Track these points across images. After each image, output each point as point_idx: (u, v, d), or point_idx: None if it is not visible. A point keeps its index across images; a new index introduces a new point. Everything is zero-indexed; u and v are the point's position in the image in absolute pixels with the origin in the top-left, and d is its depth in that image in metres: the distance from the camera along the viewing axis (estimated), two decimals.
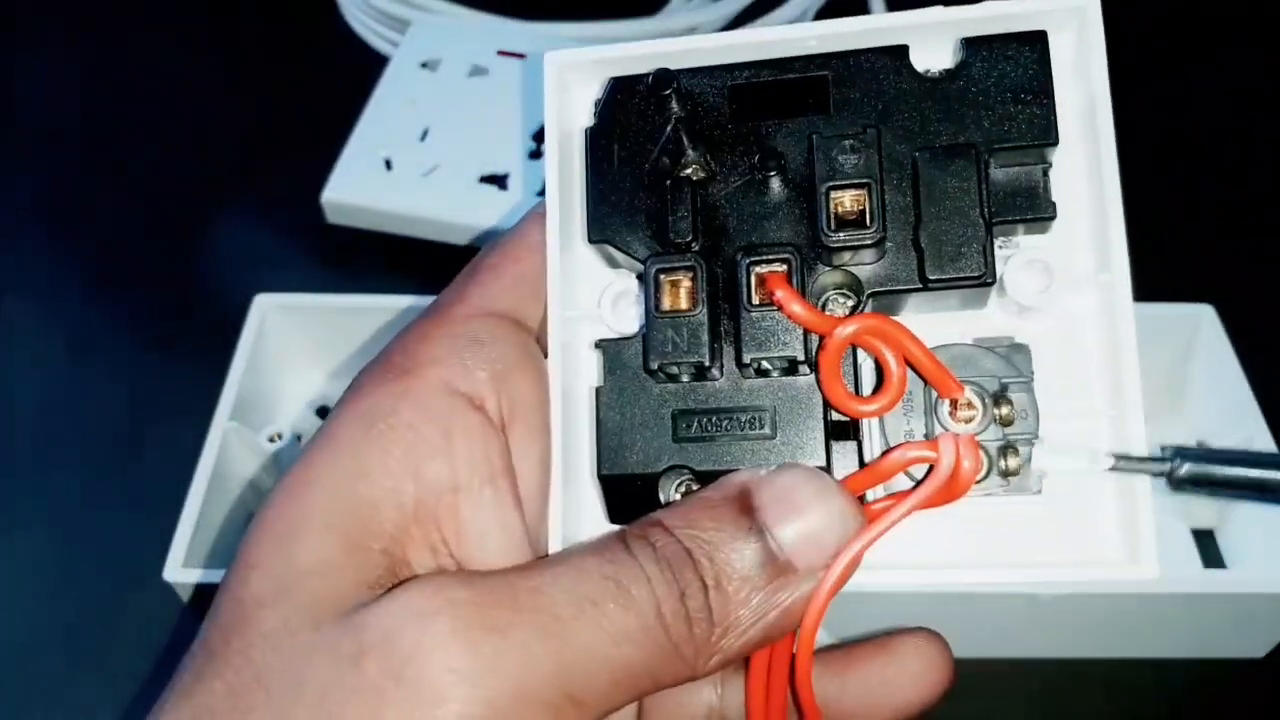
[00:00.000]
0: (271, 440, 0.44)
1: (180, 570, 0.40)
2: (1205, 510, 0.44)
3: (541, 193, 0.53)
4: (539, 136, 0.56)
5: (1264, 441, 0.42)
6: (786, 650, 0.24)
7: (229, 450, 0.43)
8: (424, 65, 0.59)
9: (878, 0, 0.66)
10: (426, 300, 0.47)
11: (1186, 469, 0.23)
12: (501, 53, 0.59)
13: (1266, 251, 0.56)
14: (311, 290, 0.48)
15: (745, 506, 0.22)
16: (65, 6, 0.70)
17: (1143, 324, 0.49)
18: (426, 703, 0.20)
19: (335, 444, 0.24)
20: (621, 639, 0.21)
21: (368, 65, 0.61)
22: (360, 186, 0.54)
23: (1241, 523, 0.43)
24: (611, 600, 0.21)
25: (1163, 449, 0.24)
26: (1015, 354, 0.25)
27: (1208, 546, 0.44)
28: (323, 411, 0.49)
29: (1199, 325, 0.45)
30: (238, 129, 0.63)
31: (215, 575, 0.41)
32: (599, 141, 0.26)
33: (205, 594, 0.41)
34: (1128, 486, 0.24)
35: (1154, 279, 0.46)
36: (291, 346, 0.48)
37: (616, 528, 0.25)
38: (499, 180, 0.54)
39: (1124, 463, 0.23)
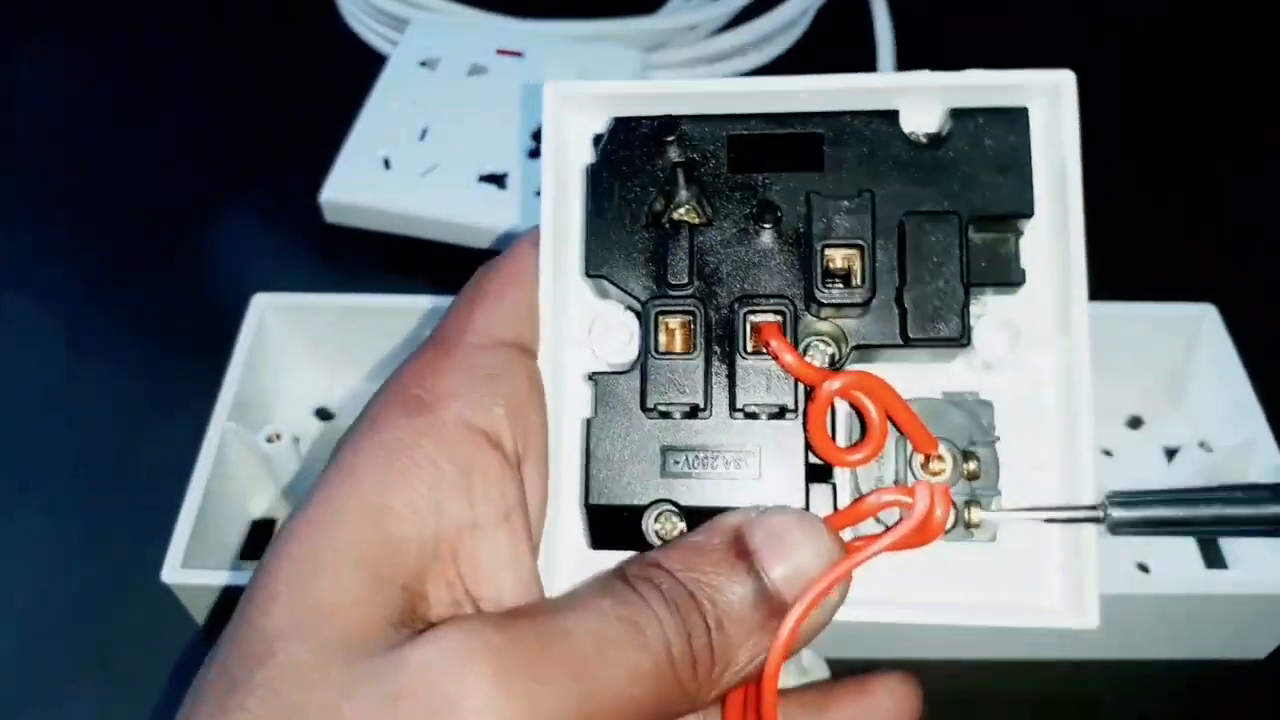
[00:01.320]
0: (270, 440, 0.44)
1: (178, 571, 0.39)
2: None
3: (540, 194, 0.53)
4: (538, 135, 0.56)
5: (1266, 442, 0.42)
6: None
7: (227, 450, 0.43)
8: (423, 64, 0.59)
9: (879, 4, 0.65)
10: (426, 300, 0.47)
11: (1117, 514, 0.25)
12: (500, 51, 0.59)
13: (1269, 251, 0.56)
14: (310, 290, 0.48)
15: (741, 550, 0.23)
16: (65, 6, 0.70)
17: (1144, 323, 0.50)
18: None
19: (357, 476, 0.24)
20: (639, 678, 0.22)
21: (366, 64, 0.61)
22: (359, 186, 0.54)
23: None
24: (630, 642, 0.22)
25: (1100, 498, 0.25)
26: (981, 410, 0.26)
27: (1209, 547, 0.44)
28: (321, 412, 0.49)
29: (1201, 325, 0.45)
30: (235, 128, 0.63)
31: (214, 576, 0.41)
32: (599, 178, 0.27)
33: (199, 595, 0.41)
34: (1073, 535, 0.26)
35: (1156, 278, 0.46)
36: (290, 346, 0.48)
37: (595, 555, 0.26)
38: (498, 179, 0.54)
39: (1058, 513, 0.25)
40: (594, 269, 0.27)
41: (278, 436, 0.44)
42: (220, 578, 0.41)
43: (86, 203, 0.60)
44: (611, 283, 0.27)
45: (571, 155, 0.28)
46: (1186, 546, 0.44)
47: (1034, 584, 0.27)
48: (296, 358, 0.49)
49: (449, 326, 0.27)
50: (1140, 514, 0.25)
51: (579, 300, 0.28)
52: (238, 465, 0.44)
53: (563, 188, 0.28)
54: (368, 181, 0.54)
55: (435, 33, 0.61)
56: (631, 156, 0.27)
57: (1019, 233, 0.26)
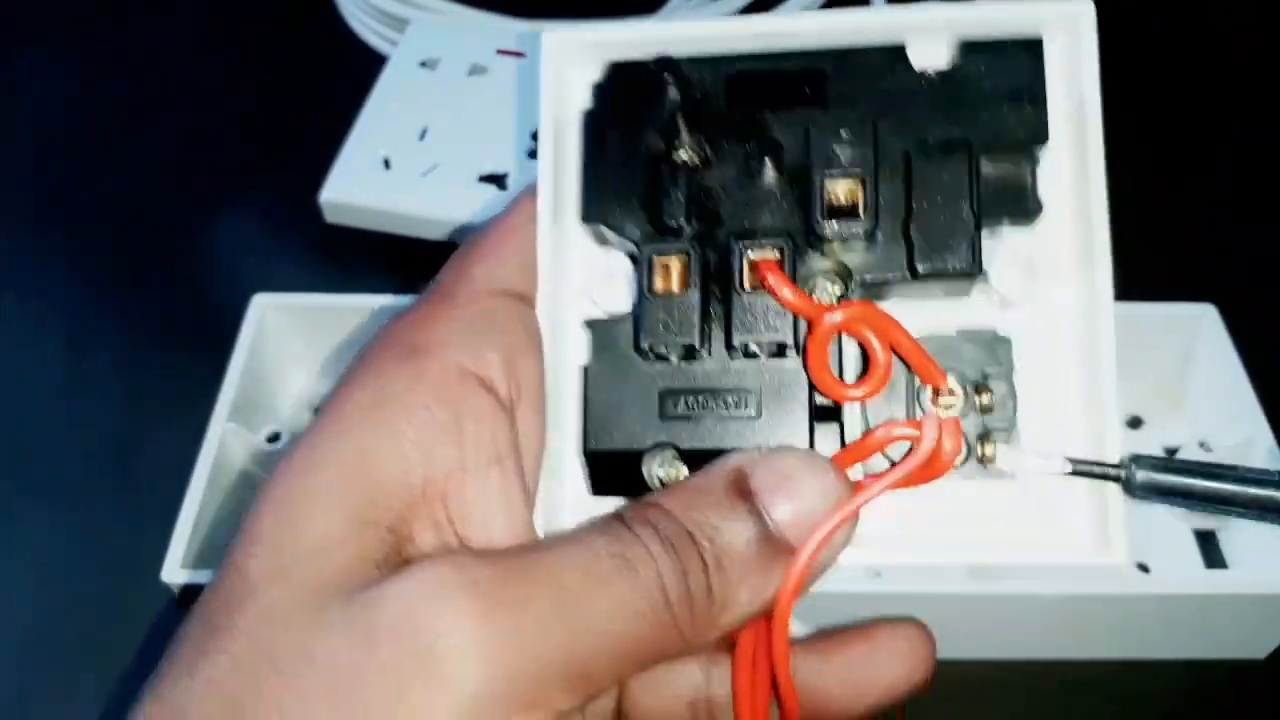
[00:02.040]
0: (270, 440, 0.44)
1: (178, 571, 0.40)
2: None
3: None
4: (538, 135, 0.56)
5: (1266, 441, 0.42)
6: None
7: (227, 450, 0.43)
8: (423, 64, 0.59)
9: (879, 4, 0.65)
10: None
11: (1141, 476, 0.24)
12: (501, 52, 0.59)
13: (1269, 251, 0.56)
14: (310, 290, 0.48)
15: (742, 490, 0.23)
16: (64, 6, 0.70)
17: (1144, 323, 0.50)
18: (444, 678, 0.20)
19: (344, 421, 0.24)
20: (630, 615, 0.21)
21: (366, 64, 0.61)
22: (359, 186, 0.54)
23: (1244, 523, 0.43)
24: (619, 578, 0.21)
25: (1124, 457, 0.25)
26: (997, 345, 0.25)
27: (1209, 547, 0.44)
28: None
29: (1201, 325, 0.45)
30: (235, 128, 0.63)
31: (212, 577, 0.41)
32: (596, 124, 0.27)
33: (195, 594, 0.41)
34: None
35: (1155, 278, 0.46)
36: (290, 346, 0.48)
37: (597, 501, 0.26)
38: (498, 179, 0.54)
39: (1080, 466, 0.24)
40: (590, 216, 0.26)
41: (278, 436, 0.44)
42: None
43: (86, 203, 0.60)
44: (608, 227, 0.26)
45: (570, 106, 0.27)
46: (1187, 546, 0.44)
47: (1058, 522, 0.26)
48: (296, 357, 0.49)
49: (446, 278, 0.26)
50: (1165, 479, 0.24)
51: (580, 251, 0.27)
52: (238, 465, 0.44)
53: (561, 139, 0.27)
54: (368, 181, 0.54)
55: (435, 33, 0.61)
56: (628, 101, 0.26)
57: (1035, 161, 0.25)
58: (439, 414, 0.24)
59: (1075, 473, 0.24)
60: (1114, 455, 0.25)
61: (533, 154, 0.55)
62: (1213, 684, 0.42)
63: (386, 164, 0.55)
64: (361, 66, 0.61)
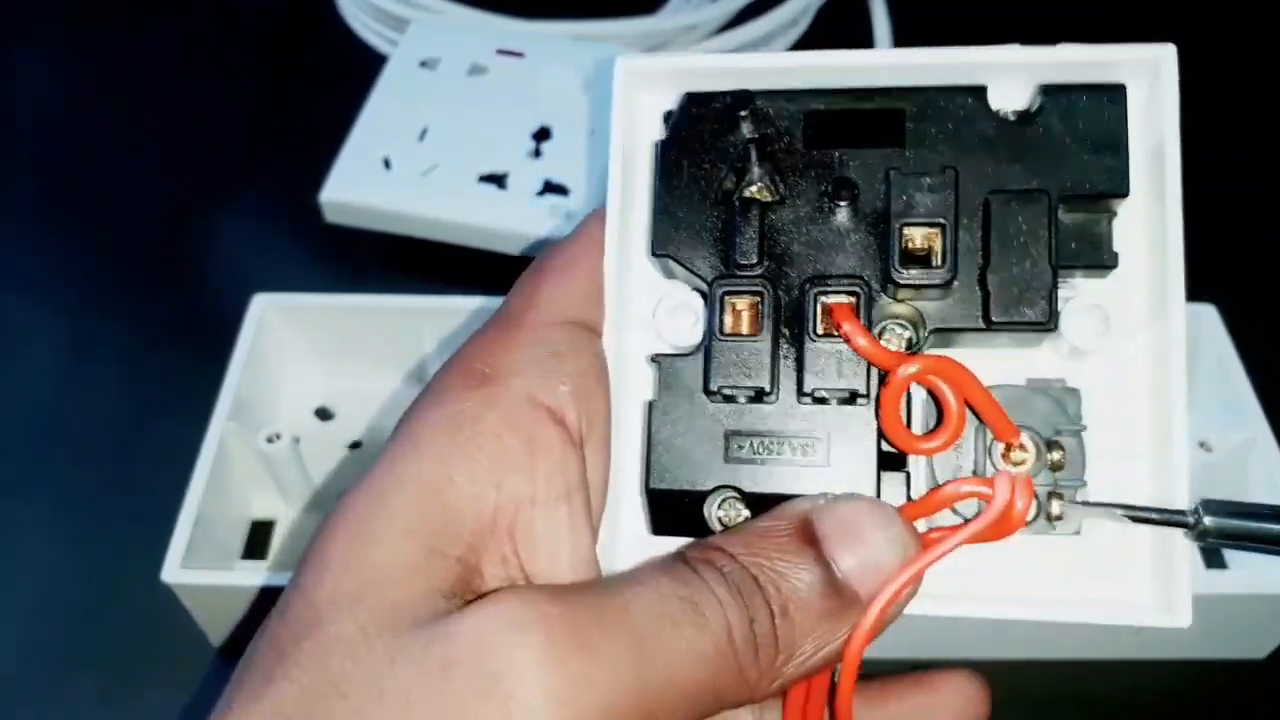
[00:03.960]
0: (270, 441, 0.44)
1: (178, 571, 0.39)
2: None
3: (543, 193, 0.53)
4: (539, 135, 0.56)
5: (1266, 441, 0.42)
6: (825, 676, 0.25)
7: (227, 451, 0.43)
8: (423, 64, 0.59)
9: (879, 4, 0.65)
10: (426, 300, 0.47)
11: (1211, 522, 0.23)
12: (501, 52, 0.59)
13: (1269, 251, 0.56)
14: (310, 290, 0.48)
15: (809, 536, 0.23)
16: (64, 6, 0.70)
17: None
18: (516, 715, 0.20)
19: (419, 447, 0.23)
20: (697, 660, 0.21)
21: (367, 64, 0.61)
22: (359, 186, 0.54)
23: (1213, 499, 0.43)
24: (689, 622, 0.21)
25: (1192, 504, 0.24)
26: (1067, 398, 0.25)
27: (1207, 549, 0.44)
28: (321, 412, 0.49)
29: (1201, 325, 0.45)
30: (236, 128, 0.63)
31: (214, 576, 0.41)
32: (669, 154, 0.26)
33: (199, 595, 0.41)
34: (1165, 531, 0.24)
35: None
36: (290, 346, 0.48)
37: (656, 541, 0.26)
38: (498, 180, 0.54)
39: (1145, 514, 0.24)
40: (660, 248, 0.26)
41: (278, 436, 0.44)
42: (220, 578, 0.41)
43: (86, 203, 0.60)
44: (677, 262, 0.26)
45: (639, 133, 0.27)
46: (1188, 546, 0.44)
47: (1119, 578, 0.25)
48: (296, 358, 0.49)
49: (514, 303, 0.26)
50: (1234, 525, 0.24)
51: (644, 280, 0.27)
52: (238, 465, 0.44)
53: (630, 165, 0.27)
54: (368, 181, 0.54)
55: (435, 33, 0.61)
56: (702, 132, 0.26)
57: (1112, 213, 0.25)
58: (512, 444, 0.23)
59: (1139, 519, 0.24)
60: (1180, 505, 0.24)
61: (535, 154, 0.55)
62: (1213, 684, 0.42)
63: (387, 164, 0.55)
64: (361, 66, 0.61)
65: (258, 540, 0.45)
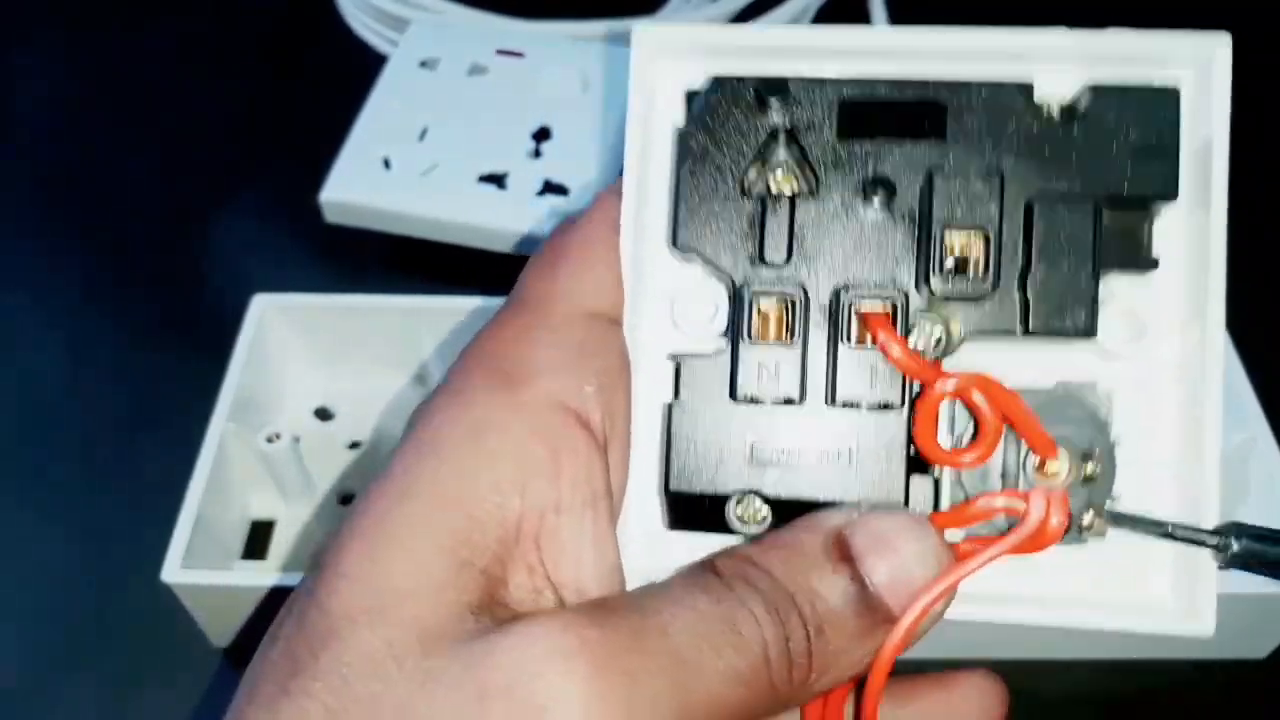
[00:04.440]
0: (270, 441, 0.44)
1: (178, 571, 0.39)
2: None
3: (543, 193, 0.53)
4: (539, 135, 0.56)
5: (1266, 441, 0.42)
6: (845, 686, 0.25)
7: (227, 451, 0.43)
8: (423, 64, 0.59)
9: (878, 4, 0.65)
10: (426, 300, 0.47)
11: (1240, 547, 0.23)
12: (500, 52, 0.59)
13: (1269, 251, 0.56)
14: (310, 290, 0.48)
15: (843, 553, 0.22)
16: (65, 6, 0.70)
17: None
18: None
19: (440, 453, 0.23)
20: (734, 680, 0.21)
21: (366, 64, 0.61)
22: (359, 186, 0.54)
23: (1243, 522, 0.43)
24: (727, 643, 0.21)
25: (1222, 524, 0.23)
26: (1100, 404, 0.24)
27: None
28: (321, 412, 0.49)
29: None
30: (236, 128, 0.63)
31: (214, 576, 0.41)
32: (692, 143, 0.25)
33: (199, 595, 0.41)
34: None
35: None
36: (290, 346, 0.48)
37: (668, 534, 0.25)
38: (498, 179, 0.54)
39: (1178, 532, 0.23)
40: (683, 242, 0.25)
41: (278, 436, 0.44)
42: (220, 578, 0.41)
43: (86, 203, 0.60)
44: (702, 258, 0.25)
45: (657, 111, 0.25)
46: None
47: (1141, 583, 0.24)
48: (296, 358, 0.49)
49: (533, 289, 0.25)
50: (1264, 550, 0.23)
51: (660, 265, 0.26)
52: (238, 465, 0.44)
53: (648, 148, 0.25)
54: (368, 181, 0.54)
55: (435, 33, 0.61)
56: (729, 120, 0.25)
57: (1155, 215, 0.24)
58: (537, 449, 0.23)
59: (1169, 537, 0.23)
60: (1210, 522, 0.24)
61: (535, 154, 0.55)
62: (1213, 684, 0.42)
63: (386, 164, 0.55)
64: (361, 66, 0.61)
65: (258, 540, 0.45)
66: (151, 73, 0.66)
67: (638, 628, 0.21)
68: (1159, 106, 0.24)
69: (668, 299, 0.25)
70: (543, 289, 0.25)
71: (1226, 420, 0.44)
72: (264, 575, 0.41)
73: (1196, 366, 0.24)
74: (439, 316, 0.47)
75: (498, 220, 0.53)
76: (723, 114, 0.25)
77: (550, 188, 0.54)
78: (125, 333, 0.54)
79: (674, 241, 0.25)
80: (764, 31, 0.25)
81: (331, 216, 0.54)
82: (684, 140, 0.25)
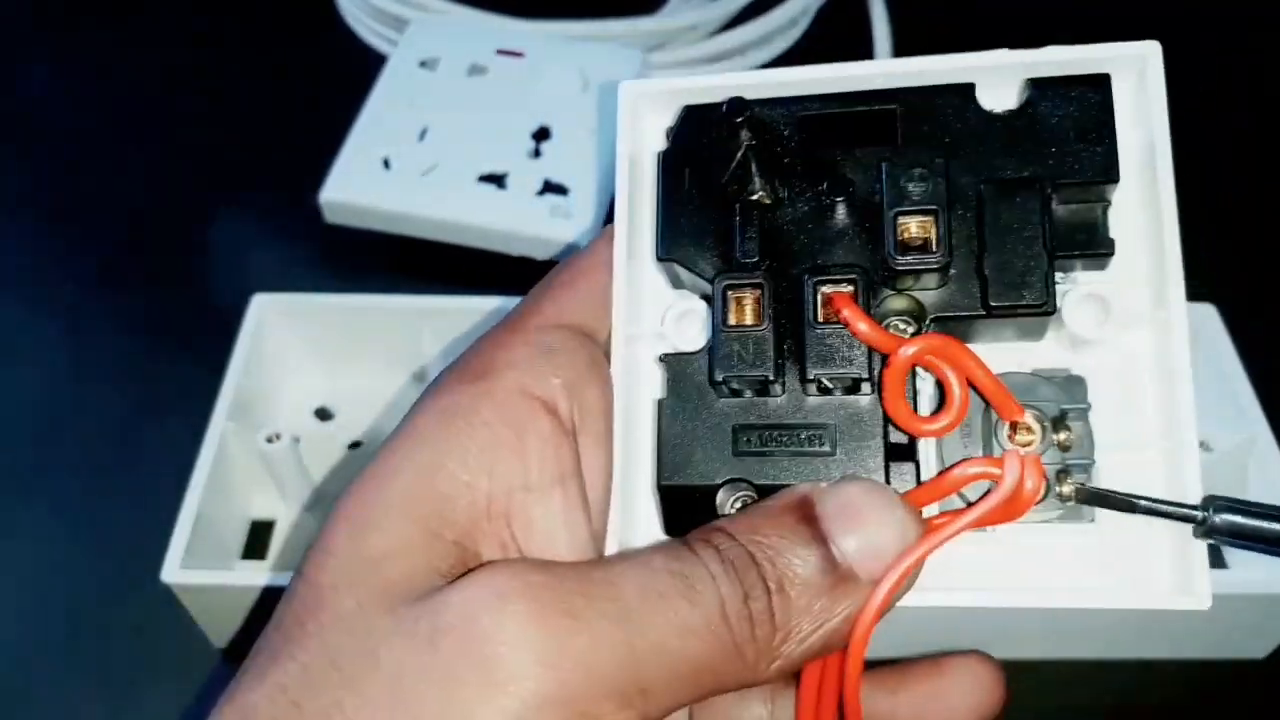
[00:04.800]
0: (269, 440, 0.44)
1: (178, 571, 0.39)
2: None
3: (542, 193, 0.53)
4: (538, 135, 0.56)
5: (1266, 441, 0.42)
6: (839, 664, 0.25)
7: (227, 451, 0.43)
8: (422, 64, 0.59)
9: (878, 4, 0.65)
10: (425, 300, 0.47)
11: (1220, 520, 0.24)
12: (500, 52, 0.59)
13: (1269, 251, 0.56)
14: (310, 290, 0.48)
15: (807, 515, 0.23)
16: (65, 7, 0.70)
17: None
18: (500, 681, 0.20)
19: (415, 437, 0.25)
20: (687, 633, 0.21)
21: (366, 64, 0.61)
22: (359, 186, 0.54)
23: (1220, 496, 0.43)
24: (679, 595, 0.22)
25: (1201, 499, 0.24)
26: (1072, 384, 0.25)
27: (1209, 546, 0.44)
28: (321, 412, 0.49)
29: (1201, 325, 0.45)
30: (235, 128, 0.63)
31: (214, 576, 0.41)
32: (671, 165, 0.27)
33: (199, 595, 0.41)
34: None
35: None
36: (290, 346, 0.48)
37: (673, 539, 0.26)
38: (498, 179, 0.54)
39: (1156, 506, 0.24)
40: (665, 253, 0.27)
41: (278, 436, 0.44)
42: (220, 578, 0.41)
43: (86, 203, 0.60)
44: (683, 265, 0.26)
45: (644, 149, 0.28)
46: None
47: (1136, 565, 0.25)
48: (296, 358, 0.49)
49: (519, 312, 0.27)
50: (1242, 523, 0.24)
51: (655, 292, 0.28)
52: (238, 465, 0.44)
53: (637, 181, 0.28)
54: (368, 181, 0.54)
55: (435, 33, 0.61)
56: (701, 141, 0.27)
57: (1107, 202, 0.25)
58: (502, 432, 0.24)
59: (1148, 512, 0.24)
60: (1192, 497, 0.24)
61: (535, 154, 0.55)
62: (1213, 684, 0.43)
63: (386, 164, 0.55)
64: (361, 66, 0.61)
65: (258, 540, 0.45)
66: (152, 73, 0.66)
67: (585, 576, 0.22)
68: (1093, 92, 0.25)
69: (659, 319, 0.27)
70: (528, 307, 0.27)
71: (1226, 420, 0.44)
72: (264, 575, 0.41)
73: (1164, 349, 0.25)
74: (439, 316, 0.47)
75: (497, 220, 0.53)
76: (696, 137, 0.27)
77: (550, 188, 0.54)
78: (125, 333, 0.54)
79: (658, 253, 0.27)
80: (732, 76, 0.27)
81: (331, 217, 0.54)
82: (663, 161, 0.27)
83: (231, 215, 0.59)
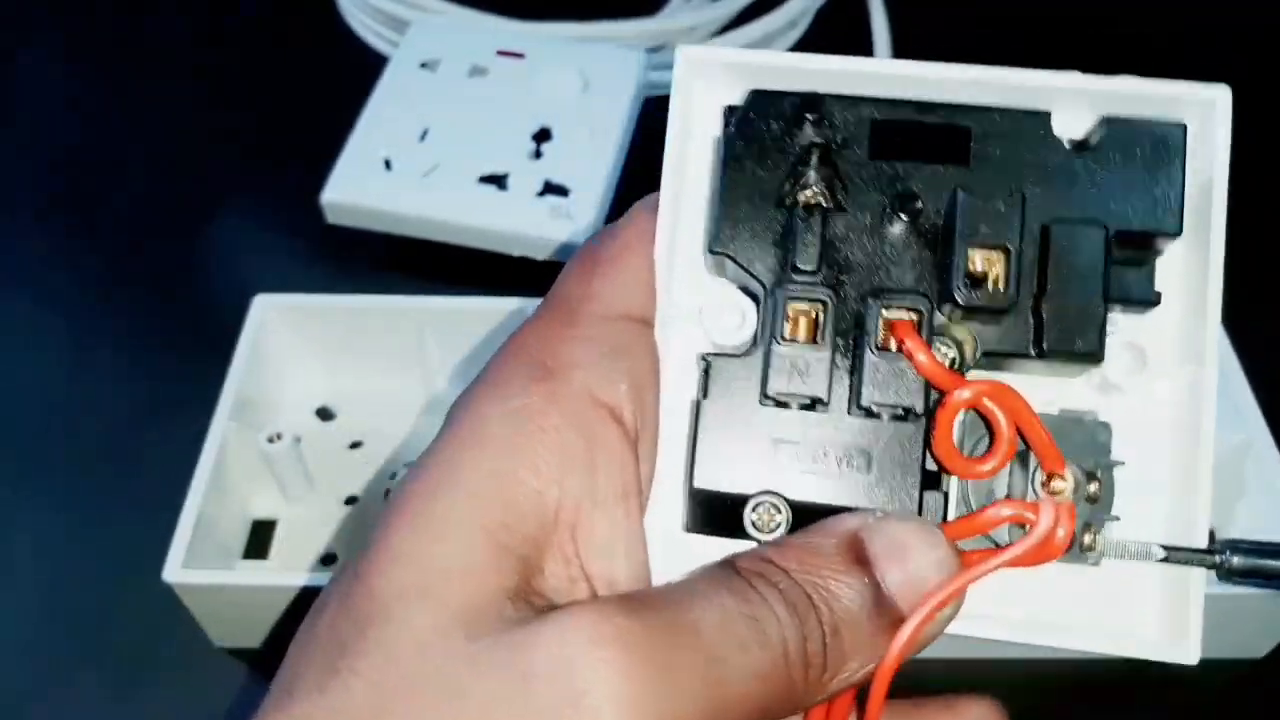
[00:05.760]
0: (271, 440, 0.44)
1: (179, 571, 0.40)
2: None
3: (543, 194, 0.53)
4: (539, 136, 0.56)
5: (1265, 442, 0.42)
6: (849, 695, 0.25)
7: (228, 451, 0.43)
8: (423, 65, 0.59)
9: (878, 5, 0.66)
10: (426, 301, 0.47)
11: (1237, 562, 0.24)
12: (501, 52, 0.59)
13: (1268, 251, 0.56)
14: (311, 290, 0.48)
15: (859, 555, 0.23)
16: (65, 6, 0.70)
17: None
18: None
19: (482, 440, 0.23)
20: (760, 678, 0.21)
21: (367, 65, 0.61)
22: (360, 187, 0.54)
23: (1243, 522, 0.43)
24: (754, 642, 0.21)
25: (1216, 542, 0.24)
26: (1100, 431, 0.25)
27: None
28: (322, 412, 0.49)
29: None
30: (237, 129, 0.63)
31: (215, 576, 0.41)
32: (731, 151, 0.26)
33: (200, 595, 0.41)
34: (1182, 570, 0.25)
35: None
36: (291, 347, 0.48)
37: (686, 537, 0.26)
38: (498, 180, 0.54)
39: (1175, 554, 0.24)
40: (718, 246, 0.25)
41: (278, 436, 0.44)
42: (220, 577, 0.41)
43: (87, 203, 0.60)
44: (735, 262, 0.25)
45: (697, 127, 0.27)
46: None
47: (1130, 608, 0.25)
48: (297, 358, 0.49)
49: (570, 292, 0.26)
50: (1259, 564, 0.24)
51: (690, 275, 0.27)
52: (238, 465, 0.44)
53: (684, 158, 0.26)
54: (369, 182, 0.54)
55: (436, 34, 0.61)
56: (768, 131, 0.26)
57: (1158, 252, 0.25)
58: (573, 440, 0.23)
59: (1168, 560, 0.24)
60: (1198, 542, 0.24)
61: (535, 155, 0.55)
62: (1212, 684, 0.43)
63: (387, 165, 0.55)
64: (362, 67, 0.61)
65: (259, 540, 0.45)
66: (152, 73, 0.66)
67: (671, 623, 0.21)
68: (1166, 142, 0.25)
69: (695, 303, 0.26)
70: (578, 292, 0.25)
71: (1224, 421, 0.44)
72: (265, 575, 0.41)
73: (1193, 403, 0.25)
74: (440, 317, 0.47)
75: (498, 221, 0.53)
76: (762, 126, 0.26)
77: (550, 188, 0.54)
78: (126, 333, 0.54)
79: (710, 244, 0.26)
80: (800, 57, 0.26)
81: (333, 217, 0.54)
82: (726, 146, 0.26)
83: (233, 216, 0.59)
